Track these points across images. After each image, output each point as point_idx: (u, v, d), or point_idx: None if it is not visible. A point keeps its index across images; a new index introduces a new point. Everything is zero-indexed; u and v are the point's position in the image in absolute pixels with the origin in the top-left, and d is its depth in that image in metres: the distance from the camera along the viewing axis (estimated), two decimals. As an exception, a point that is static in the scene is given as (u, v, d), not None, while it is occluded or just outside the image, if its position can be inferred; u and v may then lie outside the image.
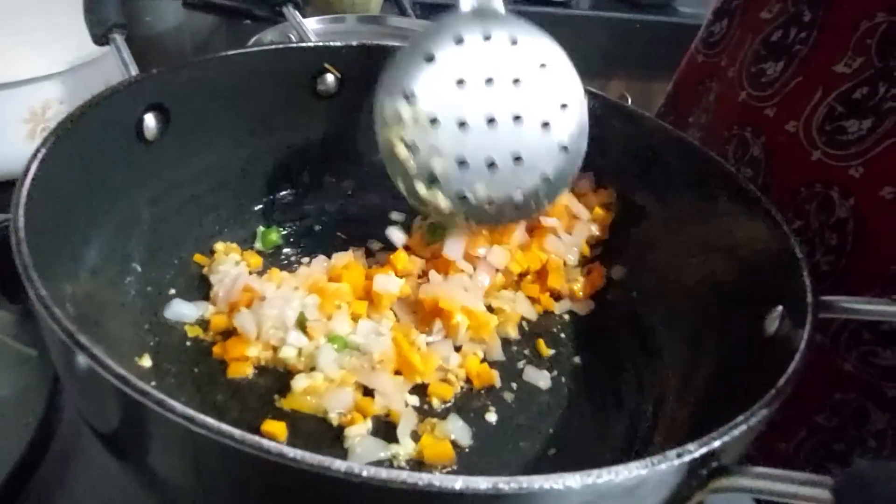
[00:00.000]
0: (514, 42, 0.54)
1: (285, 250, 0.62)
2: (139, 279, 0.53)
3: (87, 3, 0.52)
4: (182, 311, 0.53)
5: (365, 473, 0.25)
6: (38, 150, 0.40)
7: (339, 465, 0.25)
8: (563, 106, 0.55)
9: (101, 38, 0.51)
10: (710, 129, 0.67)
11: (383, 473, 0.25)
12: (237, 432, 0.26)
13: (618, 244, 0.63)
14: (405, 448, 0.46)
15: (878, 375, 0.53)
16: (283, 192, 0.66)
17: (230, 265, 0.56)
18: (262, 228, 0.62)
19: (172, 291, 0.55)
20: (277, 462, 0.26)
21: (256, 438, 0.26)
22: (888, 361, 0.52)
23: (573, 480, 0.26)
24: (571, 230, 0.61)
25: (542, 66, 0.54)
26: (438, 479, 0.25)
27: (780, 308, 0.43)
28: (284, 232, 0.64)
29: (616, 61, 1.75)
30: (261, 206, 0.64)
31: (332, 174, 0.67)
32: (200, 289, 0.56)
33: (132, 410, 0.30)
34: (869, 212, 0.52)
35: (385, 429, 0.48)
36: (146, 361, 0.49)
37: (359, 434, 0.47)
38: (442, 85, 0.51)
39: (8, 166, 0.76)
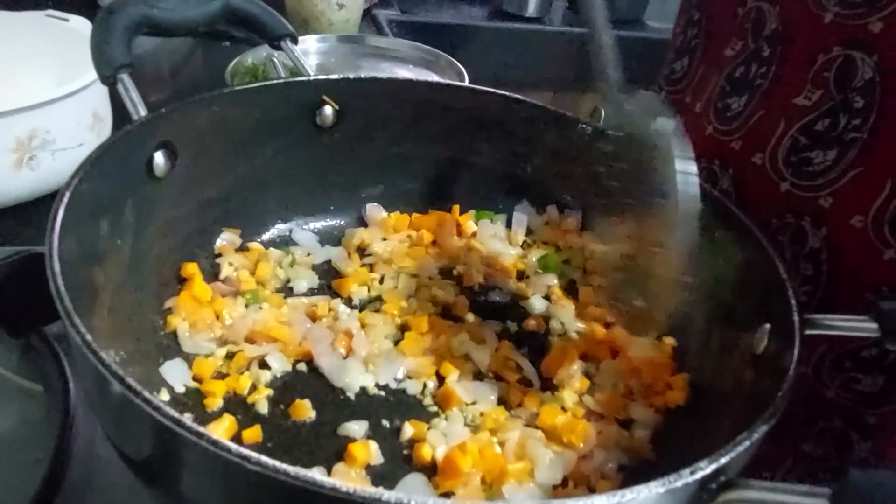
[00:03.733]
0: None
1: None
2: (149, 314, 0.54)
3: (94, 43, 0.53)
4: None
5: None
6: (62, 194, 0.42)
7: (388, 496, 0.27)
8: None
9: (108, 79, 0.52)
10: None
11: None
12: (289, 468, 0.28)
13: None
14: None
15: (860, 402, 0.55)
16: (283, 224, 0.68)
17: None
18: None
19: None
20: (327, 494, 0.28)
21: (306, 473, 0.28)
22: (869, 388, 0.54)
23: (600, 500, 0.28)
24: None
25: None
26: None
27: (767, 326, 0.46)
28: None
29: (589, 76, 1.79)
30: (263, 237, 0.66)
31: (331, 205, 0.69)
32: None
33: (180, 446, 0.32)
34: (841, 241, 0.53)
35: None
36: (164, 395, 0.51)
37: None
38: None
39: (-6, 195, 0.77)
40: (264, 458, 0.28)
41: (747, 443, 0.33)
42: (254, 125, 0.61)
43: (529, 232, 0.72)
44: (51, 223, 0.40)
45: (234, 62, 1.07)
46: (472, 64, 1.15)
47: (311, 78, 0.63)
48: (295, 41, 0.66)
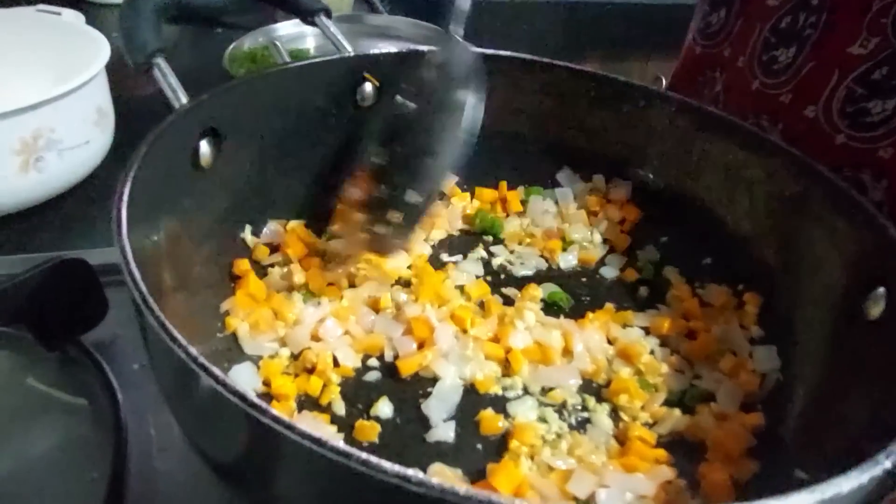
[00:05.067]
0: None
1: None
2: (206, 315, 0.51)
3: (124, 30, 0.48)
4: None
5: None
6: (121, 192, 0.37)
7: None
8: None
9: (142, 66, 0.48)
10: None
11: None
12: (405, 470, 0.25)
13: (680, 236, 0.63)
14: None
15: (869, 140, 0.54)
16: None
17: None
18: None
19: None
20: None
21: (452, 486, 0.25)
22: (879, 115, 0.53)
23: (803, 497, 0.25)
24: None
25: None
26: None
27: (881, 290, 0.43)
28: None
29: (590, 44, 1.77)
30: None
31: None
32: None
33: (281, 447, 0.28)
34: None
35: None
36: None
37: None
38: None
39: (1, 200, 0.72)
40: (398, 468, 0.25)
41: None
42: (295, 107, 0.57)
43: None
44: (116, 225, 0.35)
45: (231, 48, 1.03)
46: (465, 38, 1.10)
47: (350, 55, 0.59)
48: (329, 15, 0.62)
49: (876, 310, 0.43)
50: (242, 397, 0.26)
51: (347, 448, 0.25)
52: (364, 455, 0.25)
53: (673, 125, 0.61)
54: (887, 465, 0.28)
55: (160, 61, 0.48)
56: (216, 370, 0.28)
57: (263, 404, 0.27)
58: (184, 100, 0.47)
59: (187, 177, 0.48)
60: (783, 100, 0.59)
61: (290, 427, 0.26)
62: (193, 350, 0.29)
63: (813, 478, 0.40)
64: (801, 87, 0.58)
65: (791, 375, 0.50)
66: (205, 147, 0.49)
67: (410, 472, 0.24)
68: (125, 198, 0.37)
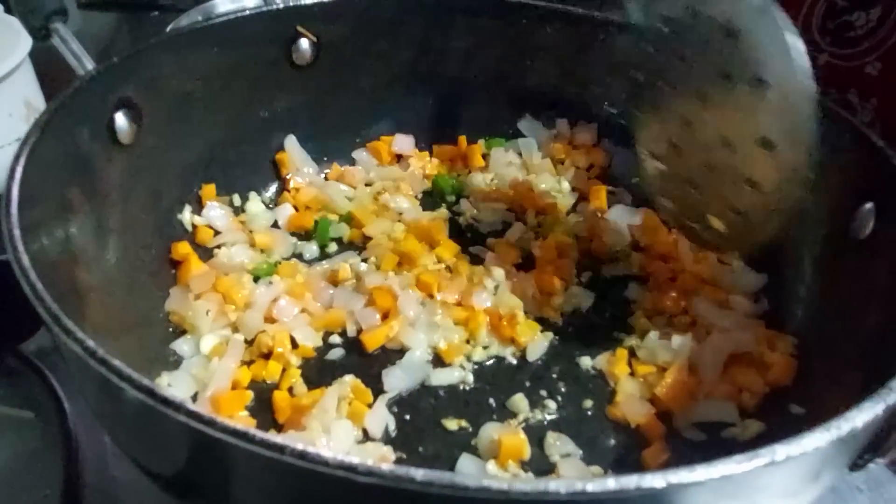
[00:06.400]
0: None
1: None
2: (147, 309, 0.46)
3: (16, -8, 0.43)
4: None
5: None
6: (11, 178, 0.32)
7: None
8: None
9: (39, 31, 0.43)
10: None
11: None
12: (351, 460, 0.21)
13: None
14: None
15: (854, 56, 0.52)
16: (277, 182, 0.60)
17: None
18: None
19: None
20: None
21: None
22: (862, 28, 0.51)
23: (820, 437, 0.22)
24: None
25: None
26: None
27: (869, 205, 0.40)
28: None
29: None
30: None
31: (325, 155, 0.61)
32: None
33: (226, 453, 0.24)
34: (895, 110, 0.50)
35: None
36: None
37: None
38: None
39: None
40: (341, 457, 0.21)
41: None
42: (222, 70, 0.52)
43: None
44: (5, 215, 0.31)
45: (168, 30, 0.96)
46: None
47: (282, 6, 0.54)
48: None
49: (865, 228, 0.40)
50: (150, 392, 0.22)
51: (281, 440, 0.21)
52: (301, 446, 0.21)
53: (637, 55, 0.56)
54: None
55: (59, 26, 0.43)
56: (119, 364, 0.24)
57: (173, 397, 0.24)
58: (90, 66, 0.42)
59: (104, 155, 0.43)
60: None
61: (210, 422, 0.22)
62: (88, 340, 0.25)
63: (810, 412, 0.38)
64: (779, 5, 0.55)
65: (779, 309, 0.47)
66: (122, 119, 0.44)
67: (356, 461, 0.21)
68: (16, 183, 0.32)
